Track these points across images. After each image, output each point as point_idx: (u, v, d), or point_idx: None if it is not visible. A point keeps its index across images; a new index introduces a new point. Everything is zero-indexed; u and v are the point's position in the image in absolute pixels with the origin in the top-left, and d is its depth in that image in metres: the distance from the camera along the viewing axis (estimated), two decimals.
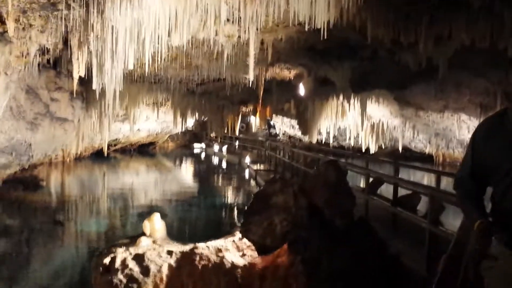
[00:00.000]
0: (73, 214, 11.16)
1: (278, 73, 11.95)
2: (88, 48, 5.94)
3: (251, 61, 7.03)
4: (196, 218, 10.67)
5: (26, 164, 10.02)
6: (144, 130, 24.36)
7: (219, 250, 4.73)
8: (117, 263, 4.70)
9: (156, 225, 5.49)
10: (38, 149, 9.69)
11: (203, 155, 28.80)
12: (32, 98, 9.01)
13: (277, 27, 7.36)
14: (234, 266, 4.58)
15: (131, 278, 4.55)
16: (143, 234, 5.44)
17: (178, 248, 4.91)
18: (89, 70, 7.82)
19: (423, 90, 12.28)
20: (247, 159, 19.12)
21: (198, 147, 31.63)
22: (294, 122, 19.91)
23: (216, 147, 27.66)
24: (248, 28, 6.42)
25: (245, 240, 5.36)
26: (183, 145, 33.17)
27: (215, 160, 25.80)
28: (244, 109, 18.95)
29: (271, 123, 31.81)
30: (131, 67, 5.98)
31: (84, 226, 9.48)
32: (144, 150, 27.60)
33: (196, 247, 4.77)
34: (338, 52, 9.04)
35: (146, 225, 5.46)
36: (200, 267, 4.53)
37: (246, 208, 6.45)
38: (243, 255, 4.88)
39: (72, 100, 10.82)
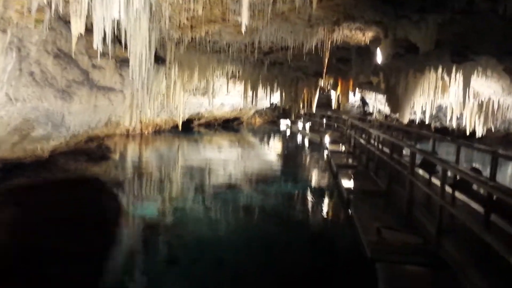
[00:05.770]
0: (128, 191, 10.35)
1: (350, 37, 9.79)
2: None
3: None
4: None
5: (68, 136, 9.42)
6: (228, 104, 23.62)
7: None
8: None
9: None
10: (75, 121, 8.99)
11: (288, 132, 27.43)
12: (64, 63, 8.25)
13: None
14: None
15: None
16: None
17: None
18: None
19: None
20: (327, 139, 17.30)
21: (284, 124, 30.38)
22: None
23: (300, 125, 26.07)
24: None
25: None
26: (271, 121, 32.13)
27: (298, 138, 24.25)
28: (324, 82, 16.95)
29: (366, 100, 29.33)
30: (116, 15, 4.70)
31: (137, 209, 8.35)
32: (229, 125, 27.13)
33: None
34: (419, 2, 6.77)
35: None
36: None
37: None
38: None
39: (120, 68, 10.00)
